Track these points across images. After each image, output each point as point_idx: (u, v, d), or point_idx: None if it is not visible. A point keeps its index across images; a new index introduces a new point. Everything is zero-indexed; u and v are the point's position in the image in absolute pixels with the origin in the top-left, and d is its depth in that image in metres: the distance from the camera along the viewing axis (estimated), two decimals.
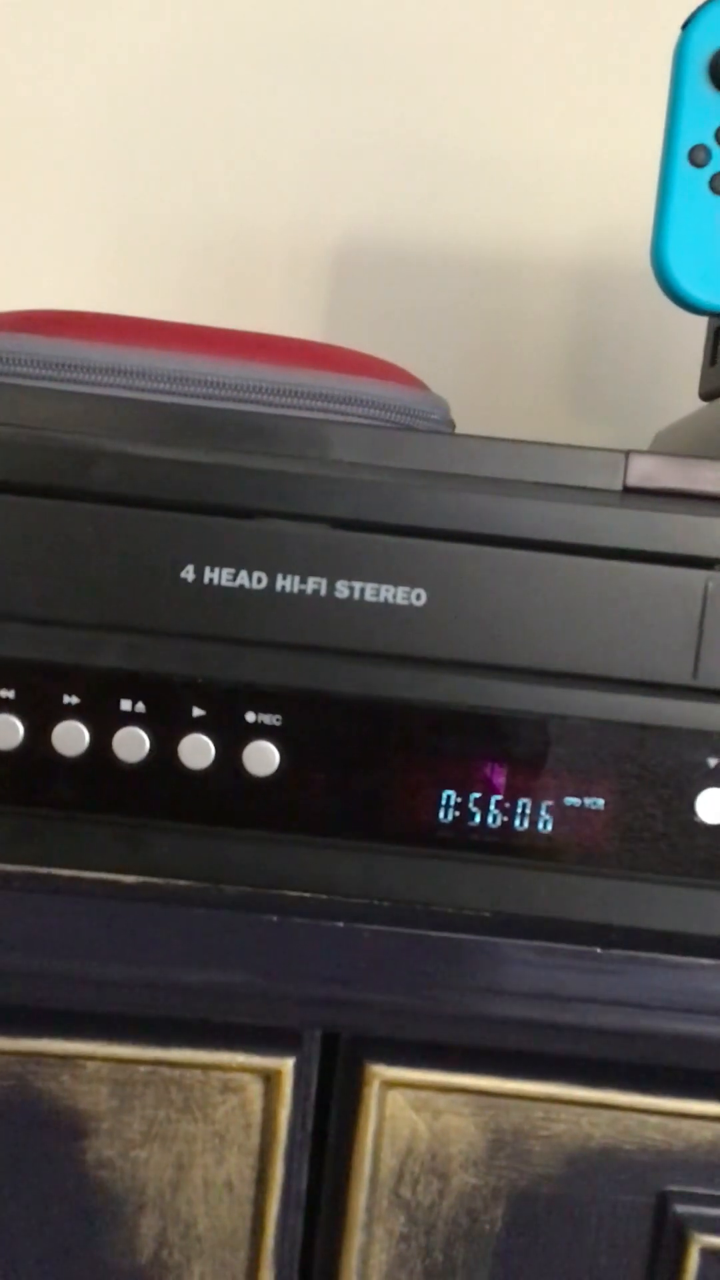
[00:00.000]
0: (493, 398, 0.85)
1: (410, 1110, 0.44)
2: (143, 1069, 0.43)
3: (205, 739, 0.40)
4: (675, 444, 0.63)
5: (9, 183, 0.84)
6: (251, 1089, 0.43)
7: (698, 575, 0.40)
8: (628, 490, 0.41)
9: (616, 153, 0.84)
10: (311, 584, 0.39)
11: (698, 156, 0.57)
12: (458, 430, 0.56)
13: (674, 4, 0.61)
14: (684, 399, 0.68)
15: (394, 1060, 0.43)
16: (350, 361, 0.51)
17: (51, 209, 0.84)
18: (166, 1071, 0.43)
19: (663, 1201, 0.44)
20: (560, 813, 0.40)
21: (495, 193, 0.85)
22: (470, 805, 0.40)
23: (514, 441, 0.41)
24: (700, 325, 0.64)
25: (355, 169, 0.84)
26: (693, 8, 0.56)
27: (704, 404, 0.63)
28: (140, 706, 0.40)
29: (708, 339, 0.62)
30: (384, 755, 0.40)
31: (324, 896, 0.41)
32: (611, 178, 0.84)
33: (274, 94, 0.84)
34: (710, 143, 0.57)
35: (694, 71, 0.56)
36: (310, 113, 0.84)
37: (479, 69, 0.84)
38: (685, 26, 0.56)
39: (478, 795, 0.40)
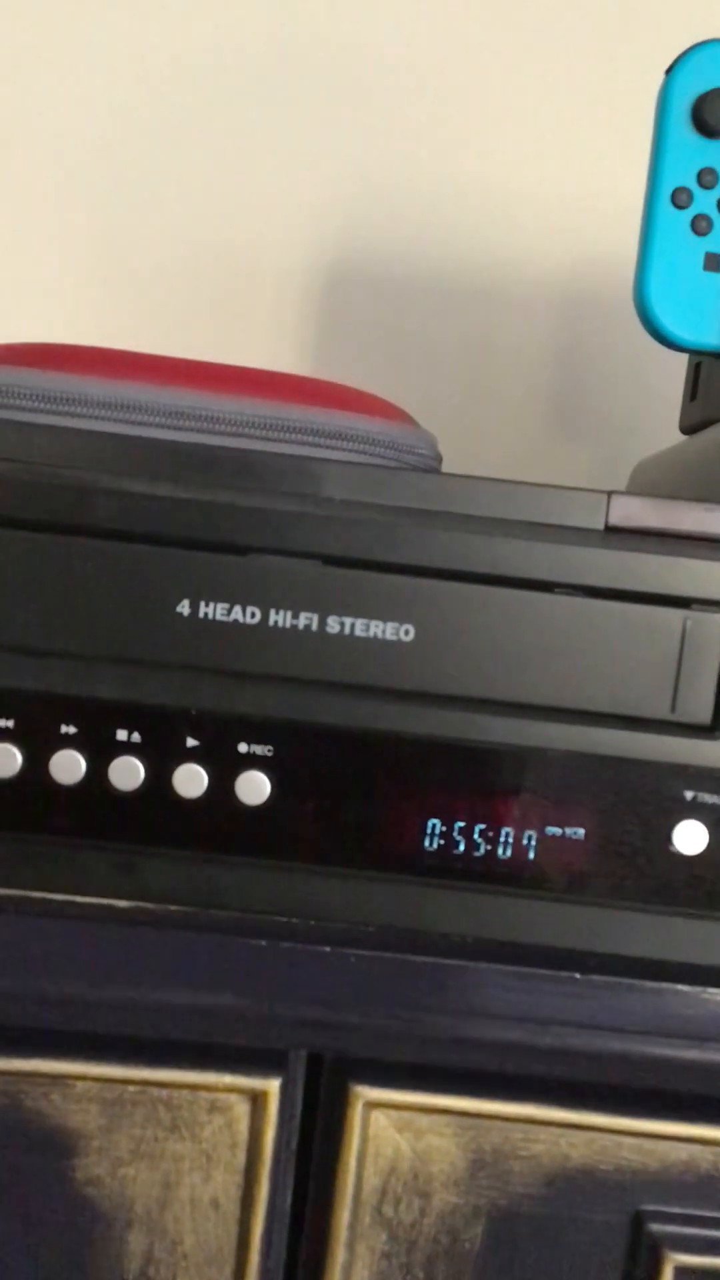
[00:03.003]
0: (479, 426, 0.87)
1: (393, 1130, 0.45)
2: (132, 1089, 0.44)
3: (198, 768, 0.41)
4: (656, 476, 0.65)
5: None
6: (238, 1109, 0.44)
7: (676, 614, 0.41)
8: (609, 530, 0.42)
9: (604, 186, 0.86)
10: (303, 619, 0.41)
11: (680, 198, 0.58)
12: (445, 462, 0.57)
13: (661, 44, 0.63)
14: (668, 428, 0.69)
15: (377, 1081, 0.44)
16: (341, 397, 0.52)
17: (41, 237, 0.85)
18: (155, 1091, 0.44)
19: (638, 1220, 0.45)
20: (542, 842, 0.41)
21: (484, 223, 0.86)
22: (455, 834, 0.42)
23: (500, 481, 0.42)
24: (683, 356, 0.65)
25: (344, 198, 0.85)
26: (677, 52, 0.57)
27: (684, 437, 0.64)
28: (136, 736, 0.41)
29: (688, 375, 0.64)
30: (372, 785, 0.41)
31: (311, 922, 0.42)
32: (598, 210, 0.86)
33: (262, 123, 0.85)
34: (693, 185, 0.58)
35: (677, 115, 0.58)
36: (299, 142, 0.85)
37: (469, 100, 0.85)
38: (669, 72, 0.58)
39: (462, 824, 0.42)
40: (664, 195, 0.58)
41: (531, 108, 0.86)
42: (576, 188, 0.86)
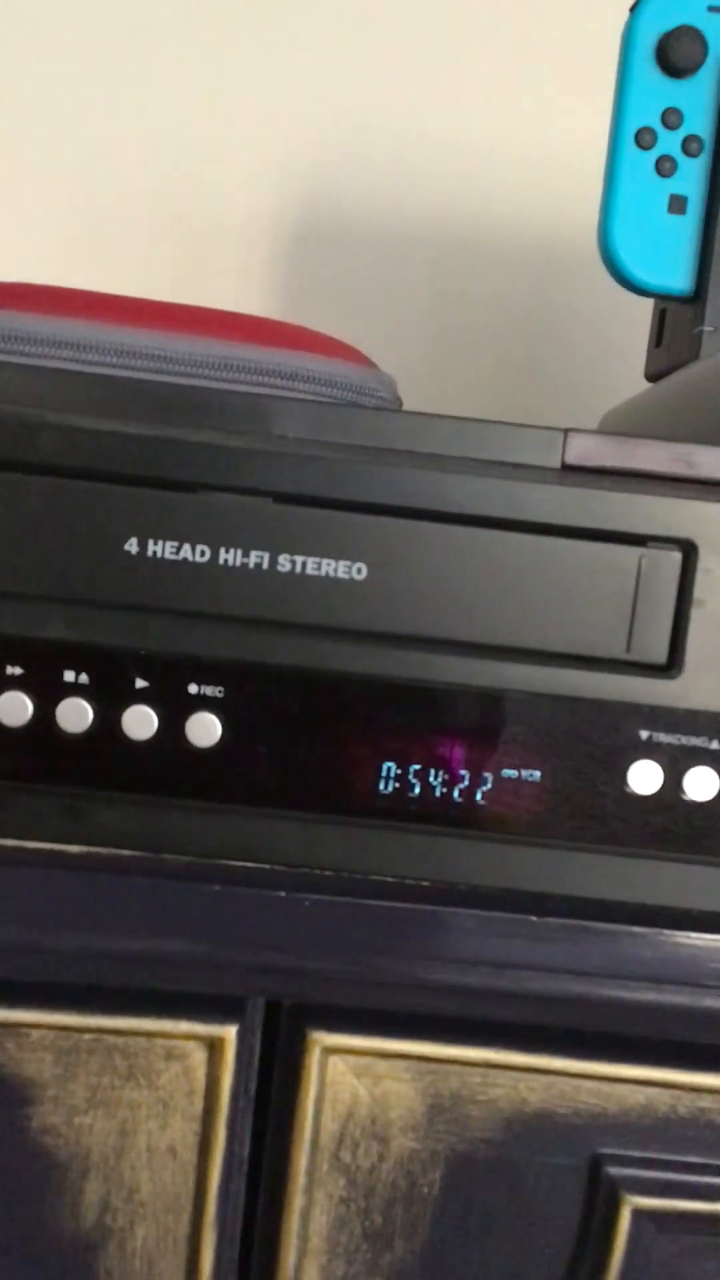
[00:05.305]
0: (445, 376, 0.86)
1: (351, 1076, 0.44)
2: (87, 1037, 0.44)
3: (148, 710, 0.40)
4: (622, 424, 0.64)
5: None
6: (195, 1056, 0.44)
7: (632, 552, 0.40)
8: (566, 468, 0.41)
9: (569, 134, 0.84)
10: (254, 557, 0.40)
11: (644, 139, 0.57)
12: (405, 408, 0.56)
13: None
14: (635, 378, 0.68)
15: (335, 1027, 0.44)
16: (297, 338, 0.51)
17: (5, 180, 0.83)
18: (110, 1039, 0.44)
19: (596, 1164, 0.45)
20: (498, 784, 0.41)
21: (454, 174, 0.85)
22: (410, 776, 0.41)
23: (455, 418, 0.41)
24: (649, 306, 0.64)
25: (311, 147, 0.84)
26: None
27: (650, 385, 0.63)
28: (83, 678, 0.40)
29: (654, 321, 0.63)
30: (325, 727, 0.41)
31: (266, 866, 0.42)
32: (565, 160, 0.85)
33: (231, 69, 0.84)
34: (657, 125, 0.57)
35: (641, 55, 0.57)
36: (268, 89, 0.84)
37: (435, 50, 0.84)
38: (633, 9, 0.57)
39: (417, 767, 0.41)
40: (628, 136, 0.57)
41: (502, 59, 0.85)
42: (547, 139, 0.85)
